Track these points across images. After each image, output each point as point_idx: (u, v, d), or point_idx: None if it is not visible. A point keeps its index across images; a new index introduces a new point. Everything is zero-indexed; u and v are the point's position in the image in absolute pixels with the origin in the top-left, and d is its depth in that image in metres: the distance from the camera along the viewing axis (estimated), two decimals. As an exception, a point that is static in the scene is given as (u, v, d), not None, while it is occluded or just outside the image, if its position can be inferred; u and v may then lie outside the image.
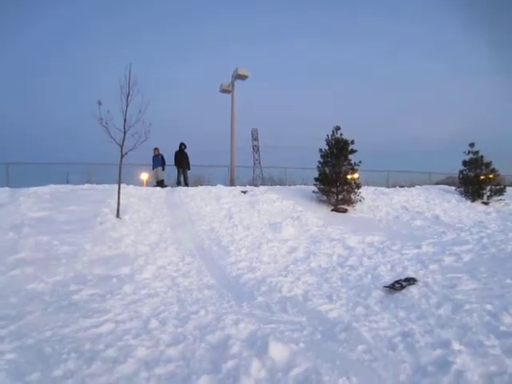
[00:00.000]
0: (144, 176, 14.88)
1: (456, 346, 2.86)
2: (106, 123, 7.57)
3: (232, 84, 14.57)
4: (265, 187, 12.89)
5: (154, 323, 3.68)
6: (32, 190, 9.39)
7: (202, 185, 12.98)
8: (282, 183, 15.83)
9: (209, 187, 12.09)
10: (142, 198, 9.95)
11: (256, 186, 13.97)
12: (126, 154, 8.03)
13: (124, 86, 7.82)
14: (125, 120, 7.82)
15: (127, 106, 7.87)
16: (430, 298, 4.05)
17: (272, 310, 4.31)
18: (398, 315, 3.74)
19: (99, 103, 7.52)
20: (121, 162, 8.20)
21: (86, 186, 10.68)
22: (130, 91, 7.86)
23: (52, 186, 10.10)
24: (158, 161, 13.00)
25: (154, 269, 5.84)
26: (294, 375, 2.59)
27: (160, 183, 12.84)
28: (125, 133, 7.86)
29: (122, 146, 7.94)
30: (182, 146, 13.05)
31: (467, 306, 3.63)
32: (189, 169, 13.29)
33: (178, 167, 13.02)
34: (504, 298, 3.76)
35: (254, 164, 39.45)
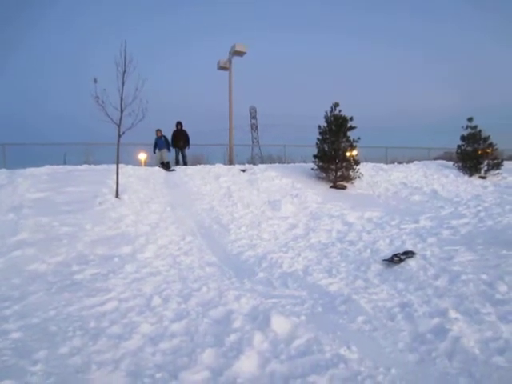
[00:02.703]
0: (142, 156, 14.78)
1: (453, 314, 2.95)
2: (103, 102, 7.44)
3: (229, 61, 14.22)
4: (264, 165, 12.84)
5: (157, 300, 3.74)
6: (29, 171, 9.34)
7: (200, 164, 12.90)
8: (280, 161, 15.78)
9: (208, 166, 12.04)
10: (141, 178, 9.91)
11: (255, 164, 13.91)
12: (123, 133, 7.92)
13: (120, 63, 7.64)
14: (121, 98, 7.69)
15: (123, 83, 7.70)
16: (428, 269, 4.12)
17: (273, 285, 4.39)
18: (396, 287, 3.82)
19: (95, 81, 7.35)
20: (118, 141, 8.10)
21: (84, 166, 10.60)
22: (125, 68, 7.68)
23: (49, 166, 10.03)
24: (163, 142, 12.45)
25: (155, 248, 5.88)
26: (296, 346, 2.67)
27: (166, 165, 12.21)
28: (122, 111, 7.73)
29: (119, 126, 7.82)
30: (179, 125, 12.89)
31: (464, 277, 3.70)
32: (188, 147, 13.16)
33: (175, 146, 12.91)
34: (499, 268, 3.83)
35: (253, 142, 39.20)
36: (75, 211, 6.85)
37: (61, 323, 3.24)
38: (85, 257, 5.28)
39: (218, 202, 8.66)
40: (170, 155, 12.84)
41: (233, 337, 2.84)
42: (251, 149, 27.21)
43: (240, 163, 13.92)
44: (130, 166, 10.72)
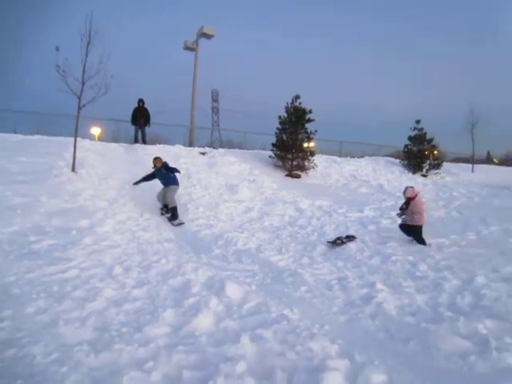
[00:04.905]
0: (95, 131, 14.27)
1: (379, 286, 3.54)
2: (64, 71, 7.20)
3: (196, 42, 14.08)
4: (223, 150, 13.04)
5: (117, 270, 3.95)
6: (-25, 137, 8.80)
7: (160, 143, 12.76)
8: (240, 147, 16.00)
9: (167, 146, 11.98)
10: (98, 153, 9.68)
11: (215, 148, 14.05)
12: (83, 106, 7.73)
13: (84, 34, 7.41)
14: (84, 70, 7.47)
15: (87, 55, 7.48)
16: (365, 251, 4.74)
17: (228, 260, 4.78)
18: (337, 265, 4.38)
19: (57, 49, 7.09)
20: (78, 113, 7.88)
21: (37, 137, 10.14)
22: (90, 39, 7.46)
23: (-1, 134, 9.47)
24: (167, 176, 7.34)
25: (114, 223, 5.99)
26: (247, 308, 3.08)
27: (172, 212, 7.05)
28: (83, 83, 7.53)
29: (79, 98, 7.62)
30: (141, 102, 12.56)
31: (393, 258, 4.35)
32: (149, 126, 12.90)
33: (135, 124, 12.61)
34: (423, 252, 4.53)
35: (213, 126, 38.75)
36: (29, 182, 6.67)
37: (23, 287, 3.36)
38: (41, 228, 5.27)
39: (177, 183, 8.79)
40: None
41: (191, 300, 3.18)
42: (211, 132, 27.12)
43: (199, 146, 13.96)
44: (87, 140, 10.40)
